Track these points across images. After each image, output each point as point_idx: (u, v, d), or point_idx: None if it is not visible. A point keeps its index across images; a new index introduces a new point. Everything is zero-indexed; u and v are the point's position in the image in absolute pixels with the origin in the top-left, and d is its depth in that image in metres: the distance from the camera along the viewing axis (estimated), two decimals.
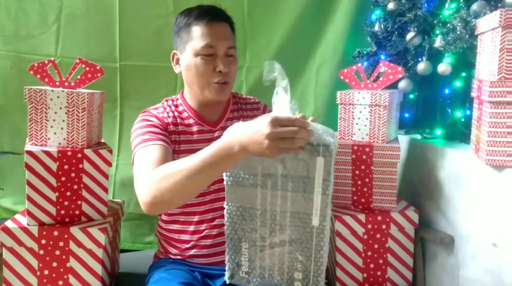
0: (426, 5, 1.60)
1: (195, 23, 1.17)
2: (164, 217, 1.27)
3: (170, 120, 1.21)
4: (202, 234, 1.23)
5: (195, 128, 1.22)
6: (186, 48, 1.19)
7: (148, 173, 1.01)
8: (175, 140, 1.20)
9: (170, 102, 1.27)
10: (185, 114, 1.24)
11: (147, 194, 0.97)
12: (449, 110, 1.58)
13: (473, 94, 1.30)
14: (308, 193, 0.98)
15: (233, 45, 1.21)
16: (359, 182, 1.41)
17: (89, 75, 1.34)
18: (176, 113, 1.23)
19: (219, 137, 1.22)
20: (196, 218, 1.23)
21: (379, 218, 1.37)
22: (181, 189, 0.94)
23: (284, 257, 1.02)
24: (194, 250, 1.24)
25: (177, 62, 1.24)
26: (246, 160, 0.94)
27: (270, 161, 0.96)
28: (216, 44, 1.16)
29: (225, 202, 0.99)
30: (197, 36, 1.16)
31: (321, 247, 1.01)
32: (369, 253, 1.39)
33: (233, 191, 0.98)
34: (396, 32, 1.71)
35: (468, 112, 1.50)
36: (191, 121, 1.23)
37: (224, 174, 0.97)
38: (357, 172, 1.40)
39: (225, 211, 1.00)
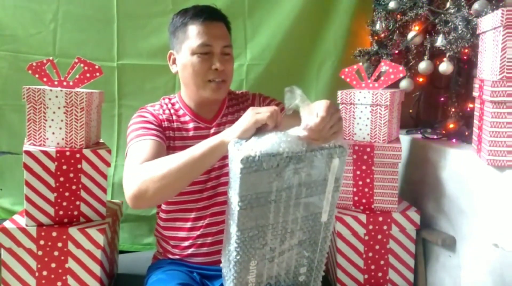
0: (427, 4, 1.59)
1: (191, 22, 1.18)
2: (162, 215, 1.27)
3: (165, 116, 1.22)
4: (200, 232, 1.23)
5: (191, 125, 1.22)
6: (183, 48, 1.19)
7: (137, 167, 1.02)
8: (170, 136, 1.20)
9: (167, 100, 1.28)
10: (181, 112, 1.24)
11: (133, 187, 0.99)
12: (451, 110, 1.57)
13: (475, 93, 1.29)
14: (321, 194, 0.96)
15: (229, 43, 1.22)
16: (360, 183, 1.40)
17: (88, 75, 1.34)
18: (172, 111, 1.24)
19: (214, 133, 1.22)
20: (193, 215, 1.23)
21: (380, 218, 1.36)
22: (166, 181, 0.96)
23: (292, 259, 1.00)
24: (192, 249, 1.24)
25: (174, 61, 1.25)
26: (261, 179, 0.87)
27: (287, 177, 0.90)
28: (212, 43, 1.17)
29: (236, 230, 0.90)
30: (193, 35, 1.17)
31: (327, 238, 1.02)
32: (370, 254, 1.38)
33: (246, 215, 0.89)
34: (398, 31, 1.70)
35: (469, 112, 1.49)
36: (187, 118, 1.23)
37: (237, 199, 0.87)
38: (358, 172, 1.39)
39: (235, 239, 0.91)
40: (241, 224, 0.89)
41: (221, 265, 1.02)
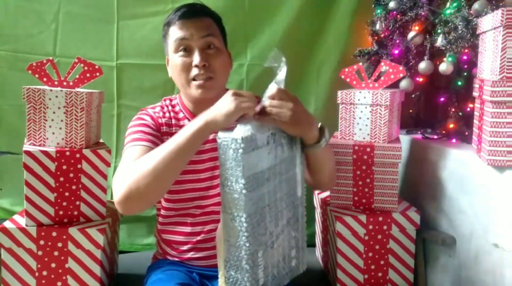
0: (427, 4, 1.59)
1: (170, 23, 1.16)
2: (161, 219, 1.27)
3: (164, 120, 1.20)
4: (200, 237, 1.22)
5: None
6: (168, 50, 1.18)
7: (125, 169, 1.00)
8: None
9: (167, 101, 1.26)
10: (181, 115, 1.23)
11: (122, 188, 0.96)
12: (451, 110, 1.57)
13: (475, 93, 1.29)
14: (294, 168, 1.00)
15: (210, 33, 1.15)
16: (360, 183, 1.39)
17: (88, 75, 1.33)
18: (172, 114, 1.22)
19: (213, 140, 1.21)
20: (194, 220, 1.22)
21: (380, 218, 1.36)
22: (156, 174, 0.93)
23: (285, 242, 1.00)
24: (192, 253, 1.23)
25: None
26: (257, 158, 0.90)
27: (274, 154, 0.94)
28: (188, 36, 1.13)
29: (245, 216, 0.88)
30: (172, 34, 1.15)
31: (304, 213, 1.05)
32: (370, 254, 1.38)
33: (251, 198, 0.89)
34: (398, 31, 1.70)
35: (469, 112, 1.49)
36: (186, 121, 1.21)
37: (242, 183, 0.87)
38: (358, 172, 1.39)
39: (245, 227, 0.88)
40: (248, 209, 0.88)
41: (221, 280, 0.96)
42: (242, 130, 0.89)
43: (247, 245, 0.89)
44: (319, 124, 1.08)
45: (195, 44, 1.13)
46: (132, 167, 0.99)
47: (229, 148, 0.87)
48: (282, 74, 0.96)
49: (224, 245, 0.93)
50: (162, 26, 1.22)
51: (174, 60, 1.15)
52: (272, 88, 0.97)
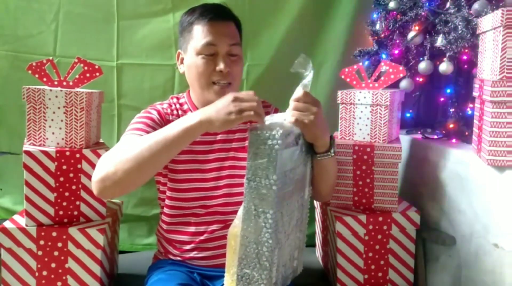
0: (427, 4, 1.59)
1: (197, 22, 1.16)
2: (164, 218, 1.26)
3: (172, 117, 1.20)
4: (204, 237, 1.22)
5: None
6: (188, 48, 1.18)
7: (111, 152, 0.98)
8: None
9: (175, 100, 1.26)
10: (189, 113, 1.22)
11: (101, 169, 0.94)
12: (451, 110, 1.57)
13: (475, 93, 1.29)
14: (306, 170, 1.01)
15: (236, 42, 1.18)
16: (360, 183, 1.39)
17: (88, 75, 1.34)
18: (180, 112, 1.22)
19: (221, 140, 1.21)
20: (198, 220, 1.22)
21: (380, 218, 1.36)
22: (136, 162, 0.91)
23: (292, 242, 1.00)
24: (195, 252, 1.23)
25: (182, 61, 1.23)
26: (288, 156, 0.90)
27: (298, 152, 0.95)
28: (217, 42, 1.14)
29: (270, 214, 0.86)
30: (198, 34, 1.15)
31: (308, 215, 1.05)
32: (370, 254, 1.38)
33: (279, 195, 0.88)
34: (397, 31, 1.70)
35: (469, 112, 1.49)
36: None
37: (273, 179, 0.86)
38: (358, 172, 1.39)
39: (270, 223, 0.86)
40: (275, 206, 0.86)
41: (229, 279, 0.95)
42: (277, 127, 0.88)
43: (270, 242, 0.87)
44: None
45: (222, 50, 1.15)
46: (117, 151, 0.97)
47: (264, 143, 0.86)
48: (308, 78, 0.96)
49: (240, 242, 0.90)
50: (182, 20, 1.21)
51: (196, 62, 1.15)
52: (298, 91, 0.98)
